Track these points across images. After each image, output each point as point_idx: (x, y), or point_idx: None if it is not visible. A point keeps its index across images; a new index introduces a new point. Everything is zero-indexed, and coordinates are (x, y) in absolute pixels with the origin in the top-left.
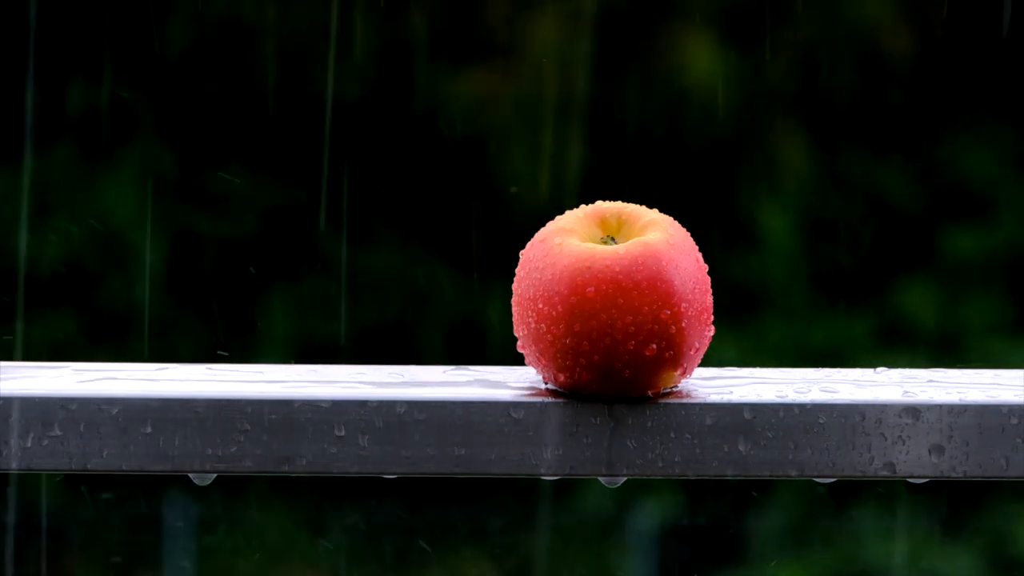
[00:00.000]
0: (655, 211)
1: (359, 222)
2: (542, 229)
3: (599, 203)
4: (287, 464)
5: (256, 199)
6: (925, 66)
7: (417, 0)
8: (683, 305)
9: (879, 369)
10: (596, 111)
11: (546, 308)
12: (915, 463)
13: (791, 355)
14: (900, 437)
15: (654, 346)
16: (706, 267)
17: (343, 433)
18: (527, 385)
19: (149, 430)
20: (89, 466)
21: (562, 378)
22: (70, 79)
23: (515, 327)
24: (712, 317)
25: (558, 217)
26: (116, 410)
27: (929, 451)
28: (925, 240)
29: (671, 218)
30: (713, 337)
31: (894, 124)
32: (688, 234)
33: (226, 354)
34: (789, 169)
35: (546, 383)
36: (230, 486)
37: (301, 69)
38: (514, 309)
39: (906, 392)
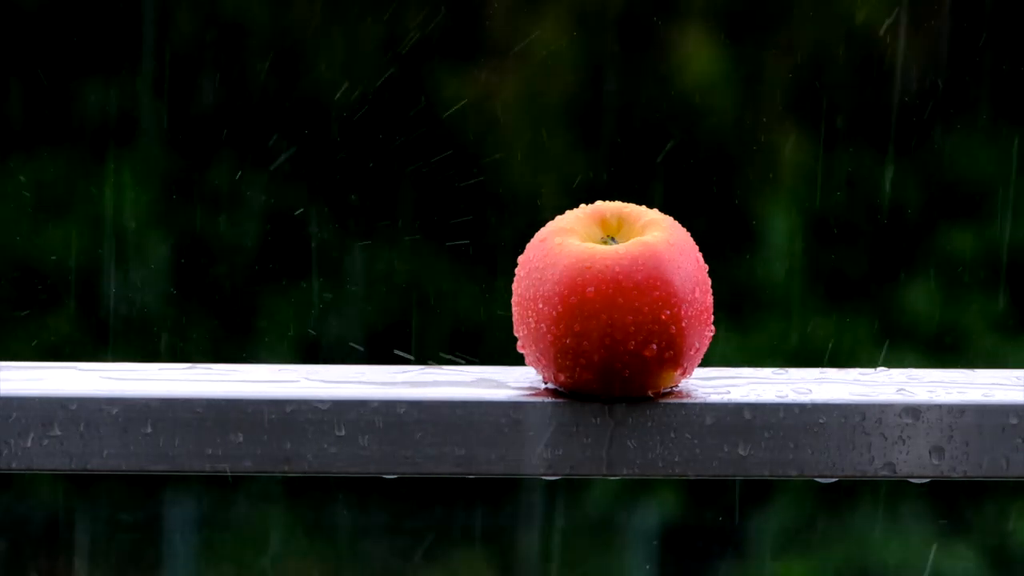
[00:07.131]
0: (655, 211)
1: (360, 222)
2: (542, 229)
3: (599, 203)
4: (287, 464)
5: (258, 199)
6: (924, 65)
7: None
8: (683, 305)
9: (879, 369)
10: (596, 110)
11: (546, 308)
12: (915, 463)
13: (792, 355)
14: (900, 437)
15: (654, 346)
16: (706, 267)
17: (343, 433)
18: (527, 385)
19: (149, 430)
20: (89, 466)
21: (562, 378)
22: (72, 77)
23: (515, 327)
24: (712, 317)
25: (558, 217)
26: (116, 410)
27: (929, 451)
28: (925, 239)
29: (671, 218)
30: (713, 337)
31: (894, 123)
32: (688, 234)
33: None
34: (789, 168)
35: (546, 383)
36: (230, 486)
37: (302, 68)
38: (514, 309)
39: (906, 392)
